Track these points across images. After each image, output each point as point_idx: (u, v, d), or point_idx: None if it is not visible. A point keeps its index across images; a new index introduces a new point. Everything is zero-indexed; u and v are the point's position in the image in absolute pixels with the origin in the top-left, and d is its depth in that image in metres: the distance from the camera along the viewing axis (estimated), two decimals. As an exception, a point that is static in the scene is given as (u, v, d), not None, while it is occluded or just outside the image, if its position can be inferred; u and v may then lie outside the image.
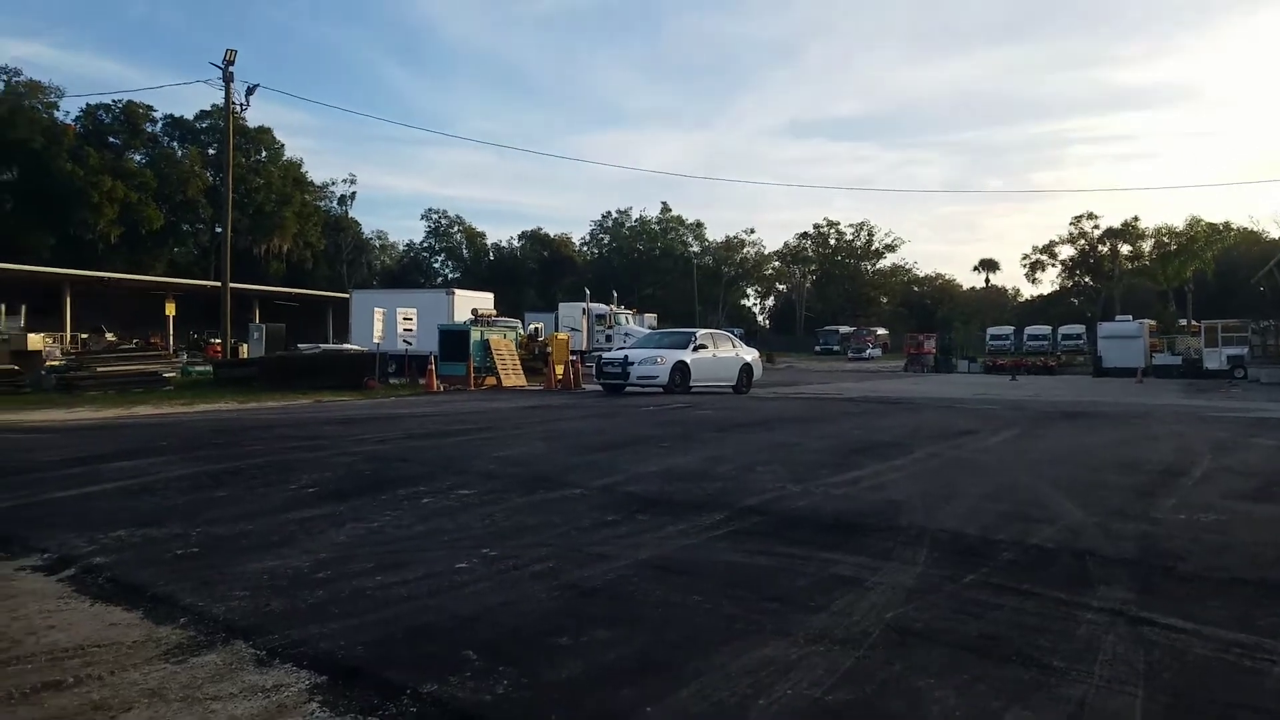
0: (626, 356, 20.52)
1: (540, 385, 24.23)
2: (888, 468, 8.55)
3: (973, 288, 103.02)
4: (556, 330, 32.56)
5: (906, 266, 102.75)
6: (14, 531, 5.85)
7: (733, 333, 29.18)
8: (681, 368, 19.70)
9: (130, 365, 22.10)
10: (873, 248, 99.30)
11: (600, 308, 34.49)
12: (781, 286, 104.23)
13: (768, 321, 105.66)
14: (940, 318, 77.60)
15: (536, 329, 33.59)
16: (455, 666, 3.40)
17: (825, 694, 3.15)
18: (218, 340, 30.59)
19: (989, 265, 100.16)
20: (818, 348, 74.73)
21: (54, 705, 3.08)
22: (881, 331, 74.74)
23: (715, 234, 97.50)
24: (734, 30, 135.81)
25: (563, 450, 10.01)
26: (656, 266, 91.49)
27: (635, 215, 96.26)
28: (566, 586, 4.53)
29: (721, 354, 21.22)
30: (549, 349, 26.94)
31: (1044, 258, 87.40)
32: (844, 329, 77.29)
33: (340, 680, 3.29)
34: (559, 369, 24.20)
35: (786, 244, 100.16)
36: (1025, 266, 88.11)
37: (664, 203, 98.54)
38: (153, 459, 9.19)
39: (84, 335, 37.70)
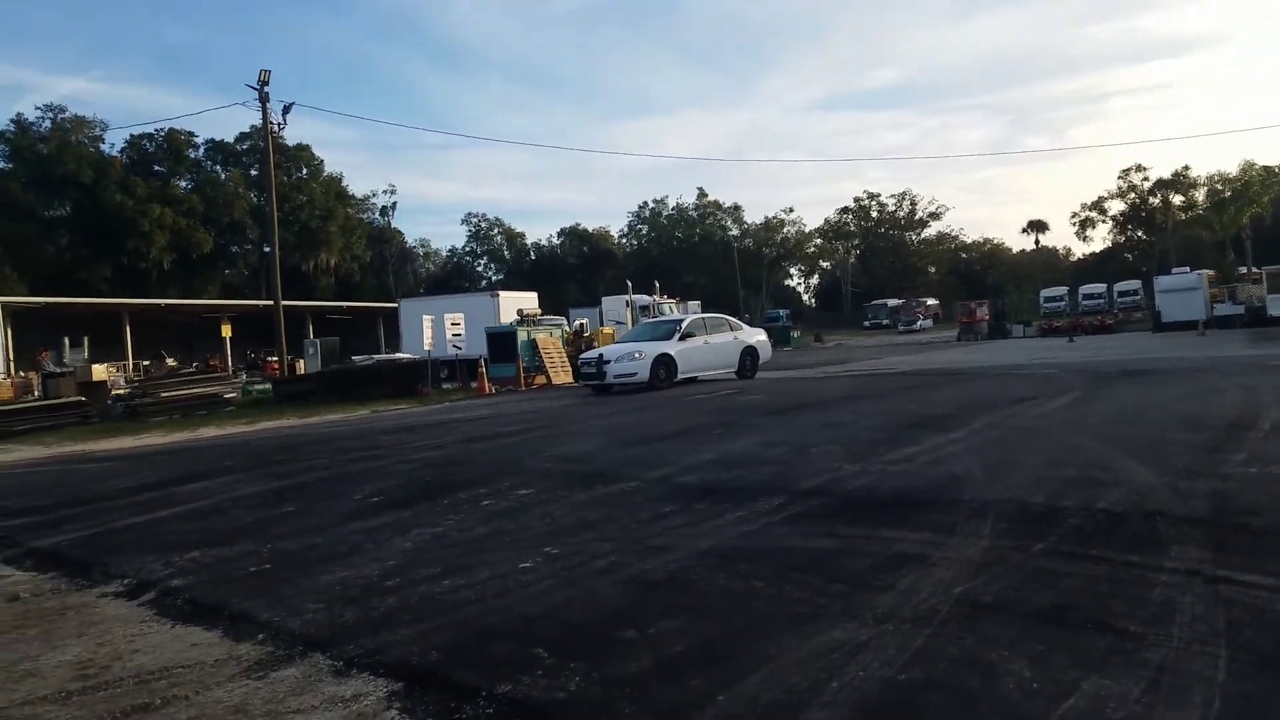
0: (601, 355, 19.15)
1: (590, 380, 24.28)
2: (945, 440, 8.43)
3: (1022, 250, 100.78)
4: (601, 325, 32.65)
5: (952, 234, 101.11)
6: (94, 559, 6.07)
7: (778, 314, 28.81)
8: (665, 361, 18.44)
9: (192, 389, 22.72)
10: (916, 217, 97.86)
11: (644, 299, 34.50)
12: (825, 264, 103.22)
13: (813, 300, 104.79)
14: (991, 283, 76.04)
15: (582, 325, 33.69)
16: (527, 665, 3.45)
17: (898, 673, 3.14)
18: (275, 358, 31.27)
19: (1038, 226, 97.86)
20: (866, 322, 73.86)
21: (146, 726, 3.20)
22: (932, 302, 73.48)
23: (753, 216, 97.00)
24: (759, 9, 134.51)
25: (616, 444, 10.06)
26: (697, 253, 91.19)
27: (672, 203, 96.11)
28: (630, 580, 4.56)
29: (716, 340, 19.82)
30: (595, 344, 27.03)
31: (1094, 214, 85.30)
32: (892, 302, 76.21)
33: (416, 686, 3.37)
34: (607, 364, 24.26)
35: (827, 220, 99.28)
36: (1075, 225, 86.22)
37: (699, 188, 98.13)
38: (221, 479, 9.46)
39: (145, 362, 38.83)
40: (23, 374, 32.51)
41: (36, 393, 25.46)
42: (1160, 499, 5.50)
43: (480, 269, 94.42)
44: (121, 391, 23.11)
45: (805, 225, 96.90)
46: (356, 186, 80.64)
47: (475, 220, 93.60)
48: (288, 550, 5.88)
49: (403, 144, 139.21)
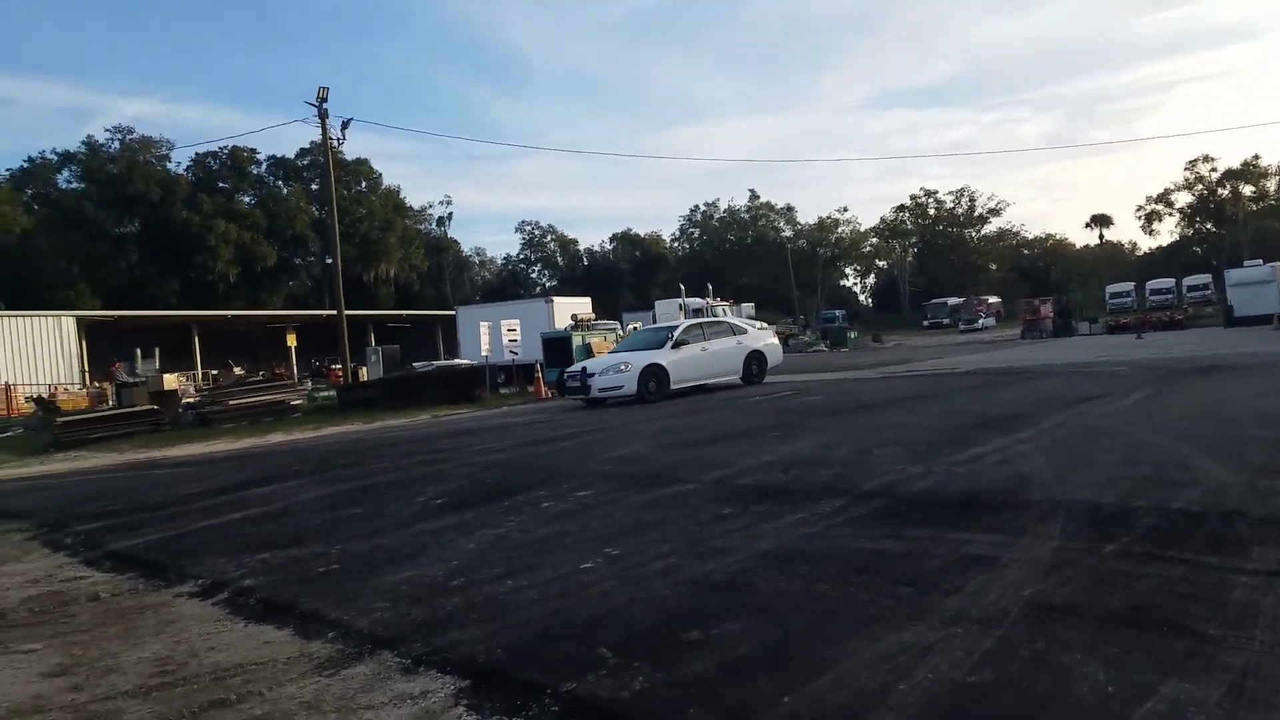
0: (585, 368, 17.97)
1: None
2: (1012, 441, 8.25)
3: (1086, 246, 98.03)
4: (655, 328, 32.68)
5: (1014, 230, 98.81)
6: (170, 560, 6.28)
7: (833, 314, 28.25)
8: (655, 371, 17.15)
9: (260, 396, 23.35)
10: (975, 214, 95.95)
11: (697, 302, 34.43)
12: (882, 263, 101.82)
13: (870, 300, 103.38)
14: (1055, 280, 74.14)
15: (635, 329, 33.77)
16: (591, 665, 3.47)
17: (967, 675, 3.08)
18: (338, 366, 31.99)
19: (1102, 221, 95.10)
20: (926, 322, 72.57)
21: (223, 721, 3.30)
22: (994, 300, 71.84)
23: (807, 216, 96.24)
24: (809, 7, 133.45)
25: (674, 446, 10.06)
26: (749, 255, 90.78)
27: (724, 206, 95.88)
28: (691, 581, 4.56)
29: (716, 345, 18.35)
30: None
31: (1160, 207, 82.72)
32: (953, 300, 74.76)
33: (483, 683, 3.41)
34: (662, 367, 24.25)
35: (883, 219, 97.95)
36: (1140, 219, 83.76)
37: (751, 190, 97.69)
38: (289, 483, 9.70)
39: (214, 371, 40.03)
40: (98, 384, 33.78)
41: (111, 402, 26.40)
42: (1238, 498, 5.30)
43: (534, 276, 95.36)
44: (192, 400, 23.87)
45: (861, 224, 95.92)
46: (414, 198, 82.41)
47: (529, 228, 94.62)
48: (355, 551, 6.01)
49: (458, 156, 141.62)
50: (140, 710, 3.48)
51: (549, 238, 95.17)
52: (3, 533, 8.07)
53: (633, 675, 3.34)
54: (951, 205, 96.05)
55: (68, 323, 36.65)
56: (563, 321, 29.30)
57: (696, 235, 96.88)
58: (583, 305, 33.34)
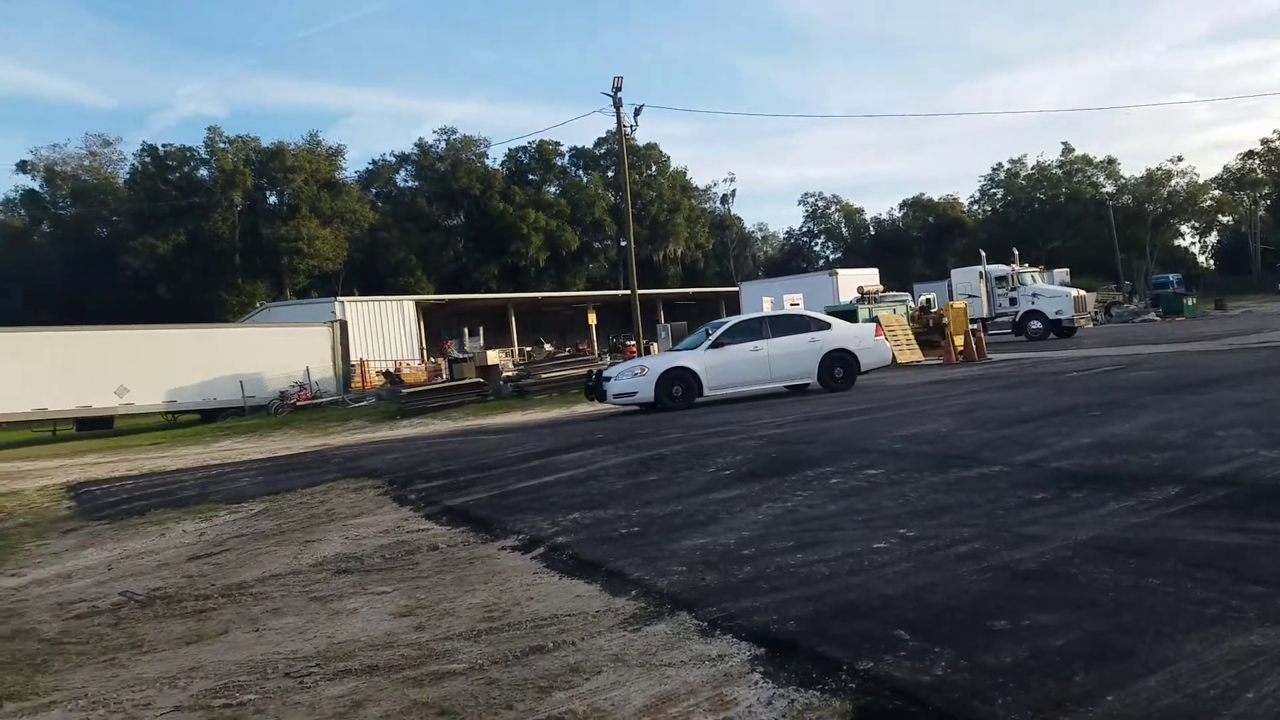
0: (600, 371, 16.86)
1: (938, 359, 23.17)
2: (1407, 424, 6.83)
3: None
4: (951, 299, 30.86)
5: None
6: (495, 517, 6.99)
7: (1166, 279, 24.71)
8: (681, 376, 15.19)
9: (567, 370, 25.21)
10: (1351, 155, 79.94)
11: (1000, 269, 31.90)
12: (1226, 219, 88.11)
13: (1211, 262, 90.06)
14: None
15: (928, 300, 32.18)
16: (888, 645, 3.38)
17: (1346, 698, 2.61)
18: (633, 342, 33.74)
19: None
20: (1283, 285, 61.94)
21: (540, 666, 3.62)
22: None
23: (1131, 169, 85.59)
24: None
25: (973, 425, 9.46)
26: (1063, 215, 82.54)
27: (1031, 162, 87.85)
28: (997, 568, 4.28)
29: (777, 345, 15.48)
30: (945, 320, 25.62)
31: None
32: (1319, 259, 63.12)
33: (778, 653, 3.45)
34: (958, 340, 22.91)
35: (1226, 168, 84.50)
36: None
37: (1064, 143, 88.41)
38: (593, 450, 10.40)
39: (528, 348, 43.85)
40: (433, 360, 38.32)
41: (444, 376, 29.81)
42: None
43: (818, 249, 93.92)
44: (510, 374, 26.30)
45: (1198, 176, 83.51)
46: (699, 178, 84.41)
47: (812, 200, 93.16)
48: (653, 515, 6.32)
49: (741, 132, 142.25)
50: (472, 651, 3.91)
51: (833, 208, 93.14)
52: (361, 489, 9.44)
53: (934, 659, 3.20)
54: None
55: (408, 306, 41.89)
56: (848, 294, 28.65)
57: (999, 196, 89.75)
58: (869, 276, 32.37)
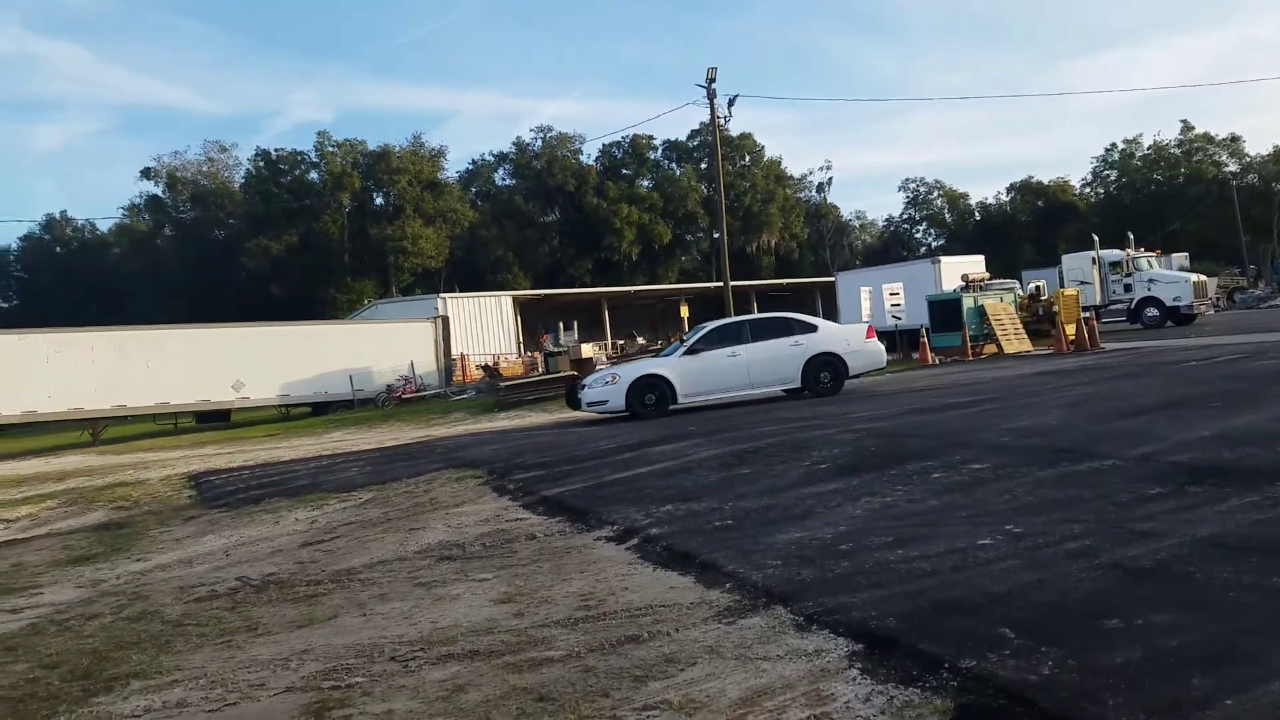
0: (580, 380, 16.76)
1: (1049, 348, 22.28)
2: None
3: None
4: (1061, 286, 29.58)
5: None
6: (590, 507, 7.08)
7: (1269, 267, 22.68)
8: (652, 383, 14.84)
9: (658, 363, 25.31)
10: None
11: (1114, 254, 30.34)
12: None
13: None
14: None
15: (1037, 288, 30.84)
16: (993, 643, 3.28)
17: None
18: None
19: None
20: None
21: (635, 656, 3.65)
22: None
23: (1257, 146, 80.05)
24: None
25: (1084, 417, 9.06)
26: (1181, 196, 77.91)
27: (1147, 142, 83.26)
28: (1109, 566, 4.09)
29: (756, 350, 15.01)
30: (1055, 308, 24.58)
31: None
32: None
33: (876, 649, 3.39)
34: (1069, 329, 21.98)
35: (1372, 140, 78.23)
36: None
37: (1183, 121, 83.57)
38: (685, 443, 10.41)
39: (620, 341, 44.18)
40: (529, 354, 39.03)
41: (540, 369, 30.33)
42: None
43: (919, 236, 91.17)
44: (604, 366, 26.60)
45: (1336, 150, 77.49)
46: (794, 166, 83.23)
47: (913, 185, 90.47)
48: (747, 509, 6.29)
49: (837, 119, 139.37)
50: (569, 639, 3.98)
51: (935, 194, 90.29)
52: (462, 479, 9.70)
53: (1041, 659, 3.09)
54: None
55: (506, 301, 42.76)
56: (951, 282, 27.76)
57: (1114, 178, 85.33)
58: (974, 264, 31.29)
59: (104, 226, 72.20)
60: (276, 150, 65.95)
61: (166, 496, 11.29)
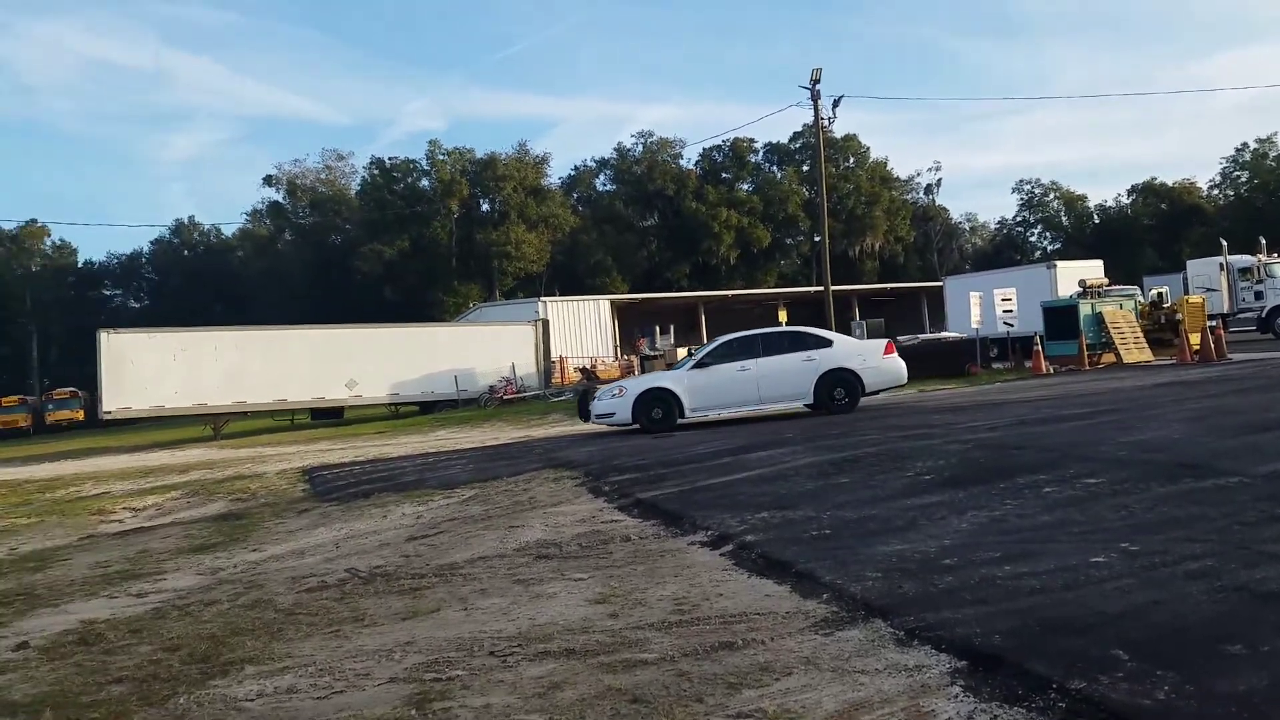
0: (588, 392, 16.54)
1: (1171, 358, 21.10)
2: None
3: None
4: (1187, 293, 27.95)
5: None
6: (684, 511, 7.09)
7: None
8: (661, 396, 14.66)
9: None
10: None
11: (1244, 259, 28.49)
12: None
13: None
14: None
15: (1160, 295, 29.21)
16: (1104, 665, 3.14)
17: None
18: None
19: None
20: None
21: (730, 663, 3.64)
22: None
23: None
24: None
25: (1210, 432, 8.55)
26: (1322, 199, 72.70)
27: (1282, 140, 77.83)
28: (1233, 589, 3.86)
29: (767, 364, 14.71)
30: (1178, 316, 23.25)
31: None
32: None
33: (980, 667, 3.29)
34: (1194, 338, 20.75)
35: None
36: None
37: (1327, 117, 77.72)
38: (781, 449, 10.31)
39: (718, 346, 44.09)
40: (626, 357, 39.32)
41: (636, 372, 30.52)
42: None
43: (1033, 240, 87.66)
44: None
45: None
46: (900, 168, 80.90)
47: (1027, 187, 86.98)
48: (845, 519, 6.19)
49: (948, 119, 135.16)
50: (664, 642, 4.00)
51: (1051, 195, 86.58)
52: (560, 479, 9.86)
53: (1156, 682, 2.94)
54: None
55: (604, 305, 43.25)
56: (1068, 288, 26.62)
57: (1245, 180, 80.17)
58: (1093, 269, 29.92)
59: (228, 231, 76.54)
60: (390, 159, 68.53)
61: (282, 489, 11.86)
